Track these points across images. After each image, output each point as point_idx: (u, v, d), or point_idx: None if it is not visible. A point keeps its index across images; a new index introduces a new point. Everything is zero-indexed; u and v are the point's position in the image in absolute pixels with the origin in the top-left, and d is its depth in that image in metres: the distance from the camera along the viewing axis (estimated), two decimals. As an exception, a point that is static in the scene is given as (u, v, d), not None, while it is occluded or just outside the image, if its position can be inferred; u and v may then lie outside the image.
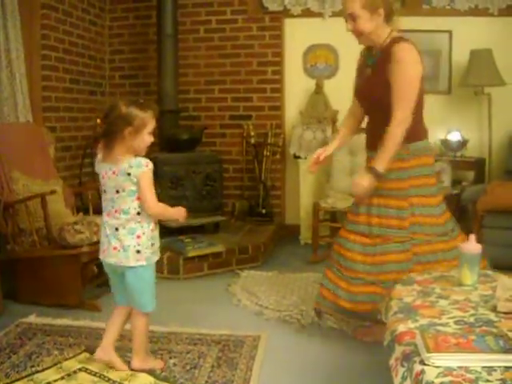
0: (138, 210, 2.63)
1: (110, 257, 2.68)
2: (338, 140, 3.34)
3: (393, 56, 2.86)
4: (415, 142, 3.00)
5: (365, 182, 2.94)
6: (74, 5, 5.48)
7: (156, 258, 2.75)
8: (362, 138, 4.93)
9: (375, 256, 3.07)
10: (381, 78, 2.93)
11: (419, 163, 3.02)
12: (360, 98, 3.19)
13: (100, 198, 2.75)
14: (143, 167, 2.58)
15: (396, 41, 2.90)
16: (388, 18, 2.93)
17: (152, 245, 2.69)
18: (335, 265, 3.21)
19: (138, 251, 2.64)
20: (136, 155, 2.63)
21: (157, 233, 2.75)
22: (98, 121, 2.58)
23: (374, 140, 3.01)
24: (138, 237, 2.64)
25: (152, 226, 2.69)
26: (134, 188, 2.60)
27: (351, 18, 2.92)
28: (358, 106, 3.24)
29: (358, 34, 2.97)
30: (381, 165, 2.90)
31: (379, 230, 3.07)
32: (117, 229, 2.64)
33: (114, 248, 2.65)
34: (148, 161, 2.61)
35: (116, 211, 2.65)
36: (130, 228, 2.63)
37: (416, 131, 2.96)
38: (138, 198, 2.62)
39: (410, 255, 3.00)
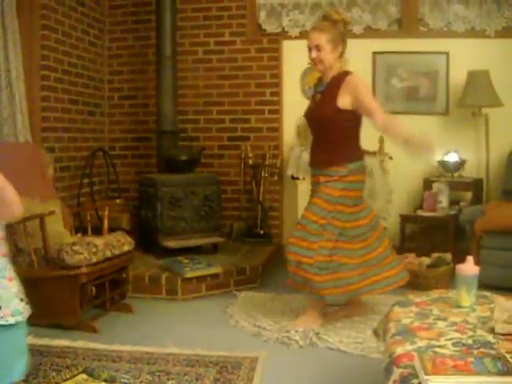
0: None
1: None
2: None
3: (350, 83, 3.55)
4: (353, 163, 3.62)
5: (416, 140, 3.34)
6: (74, 26, 5.52)
7: None
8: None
9: None
10: (329, 101, 3.60)
11: (355, 179, 3.64)
12: (309, 120, 3.81)
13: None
14: None
15: (347, 73, 3.62)
16: (341, 55, 3.67)
17: None
18: None
19: None
20: None
21: None
22: None
23: (315, 157, 3.74)
24: None
25: None
26: None
27: (317, 48, 3.58)
28: None
29: (319, 62, 3.62)
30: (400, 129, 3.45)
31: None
32: None
33: None
34: None
35: None
36: None
37: (354, 153, 3.66)
38: None
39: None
